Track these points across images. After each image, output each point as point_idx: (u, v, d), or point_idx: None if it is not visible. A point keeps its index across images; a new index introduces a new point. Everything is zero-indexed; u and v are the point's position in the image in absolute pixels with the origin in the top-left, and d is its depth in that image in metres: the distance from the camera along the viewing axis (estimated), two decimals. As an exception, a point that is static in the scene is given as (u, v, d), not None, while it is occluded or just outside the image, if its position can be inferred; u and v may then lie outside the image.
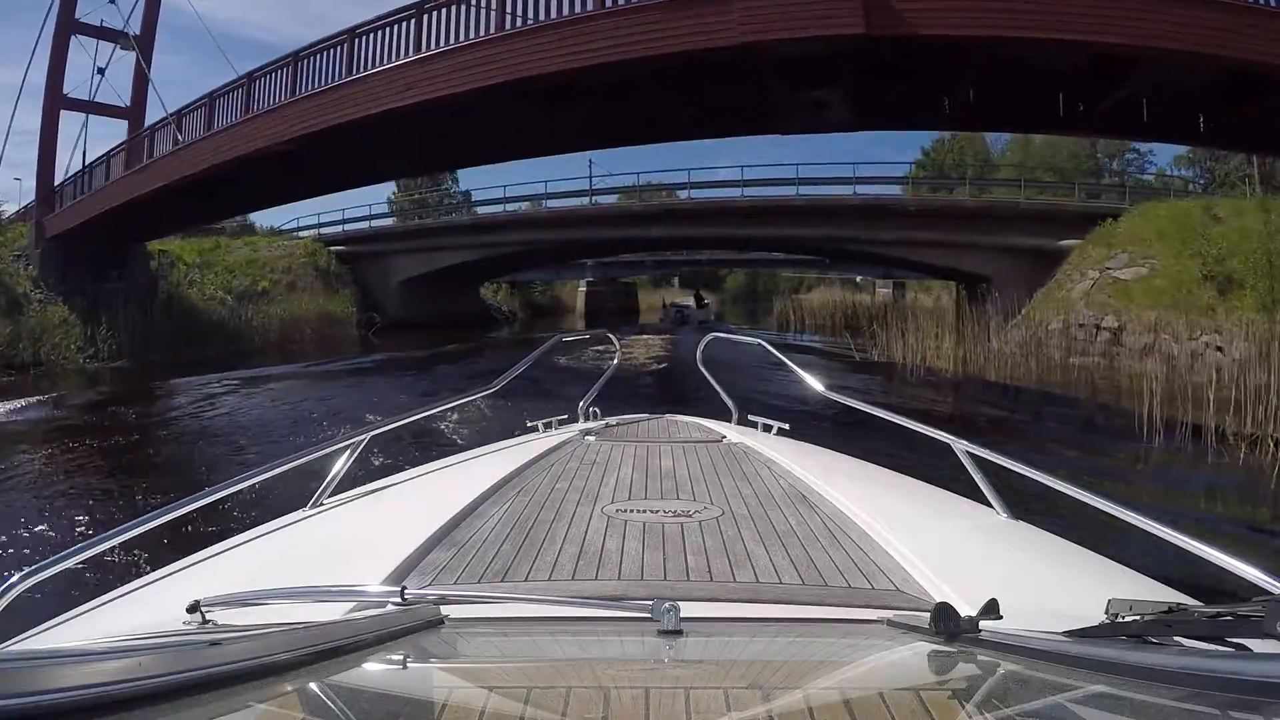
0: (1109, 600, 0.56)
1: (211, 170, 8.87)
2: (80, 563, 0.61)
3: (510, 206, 17.74)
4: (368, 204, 19.80)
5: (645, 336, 14.03)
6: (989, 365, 8.04)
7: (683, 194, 15.46)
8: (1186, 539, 0.65)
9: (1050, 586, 0.76)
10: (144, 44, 12.06)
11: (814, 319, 19.31)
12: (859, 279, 28.18)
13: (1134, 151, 14.75)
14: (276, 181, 9.84)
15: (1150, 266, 9.30)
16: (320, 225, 20.09)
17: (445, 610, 0.59)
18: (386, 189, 22.47)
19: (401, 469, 1.29)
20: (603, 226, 15.91)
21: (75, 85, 11.72)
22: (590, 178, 16.40)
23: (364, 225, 19.03)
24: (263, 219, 19.34)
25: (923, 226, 12.39)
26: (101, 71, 11.56)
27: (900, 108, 8.07)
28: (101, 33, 11.48)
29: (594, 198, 16.68)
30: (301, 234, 18.81)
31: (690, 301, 21.56)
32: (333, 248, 17.73)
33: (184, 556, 0.80)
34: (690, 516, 0.98)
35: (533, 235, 16.49)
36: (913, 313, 17.12)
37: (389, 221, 18.64)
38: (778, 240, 15.69)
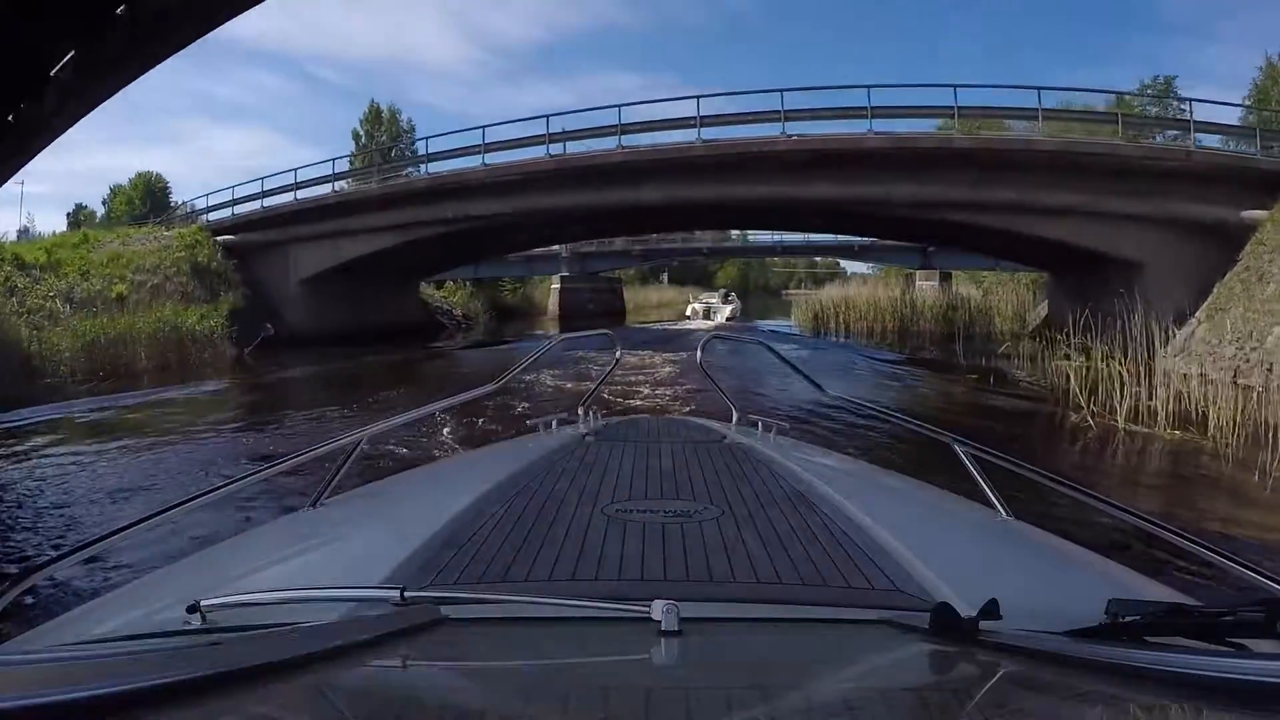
0: (1109, 600, 0.81)
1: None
2: (80, 563, 0.95)
3: (439, 168, 17.54)
4: (260, 179, 19.93)
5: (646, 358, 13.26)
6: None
7: (690, 136, 14.74)
8: (1187, 539, 0.97)
9: (1050, 586, 1.10)
10: None
11: (862, 321, 21.81)
12: (844, 271, 32.77)
13: (1175, 129, 15.71)
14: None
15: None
16: (209, 209, 20.70)
17: (445, 610, 0.87)
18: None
19: (401, 469, 1.73)
20: (568, 189, 15.65)
21: None
22: (549, 117, 15.96)
23: (256, 206, 19.46)
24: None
25: (1055, 185, 12.41)
26: None
27: None
28: None
29: (557, 145, 16.03)
30: (211, 219, 19.66)
31: (717, 300, 30.29)
32: (220, 238, 18.49)
33: (184, 556, 1.16)
34: (690, 516, 1.37)
35: (467, 208, 16.50)
36: (993, 314, 18.49)
37: (287, 199, 19.10)
38: (840, 205, 14.50)
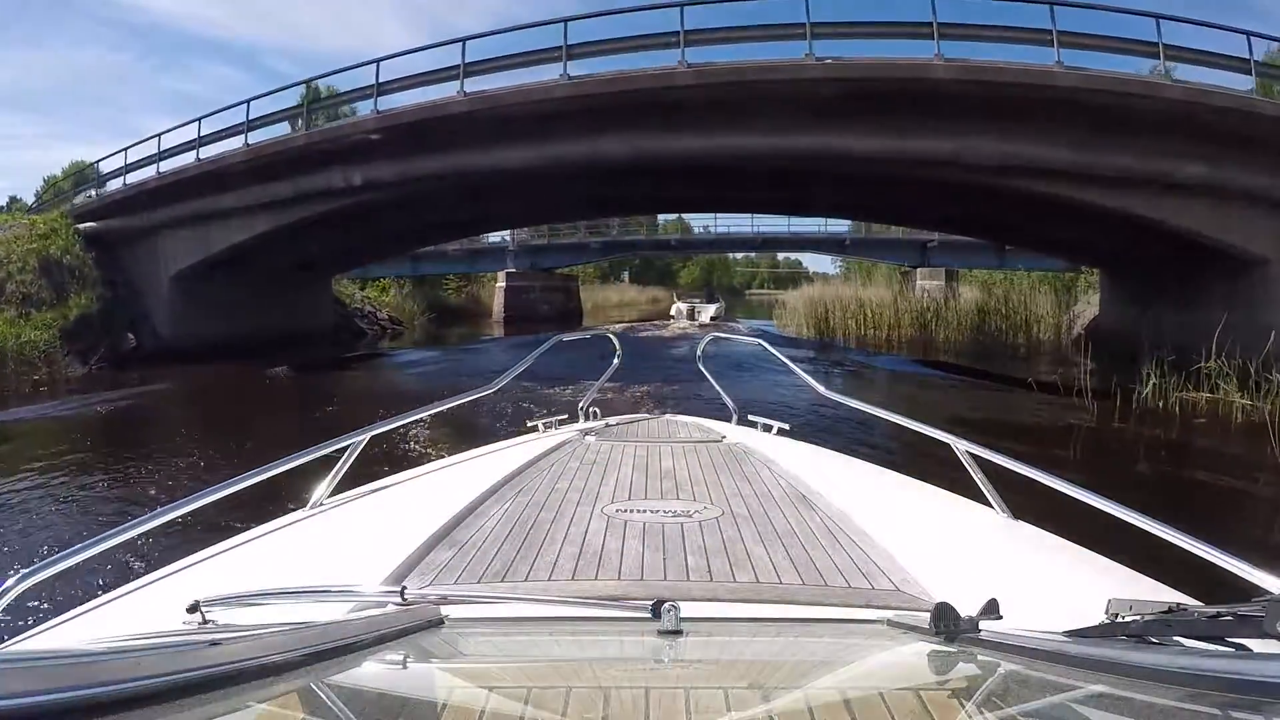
0: (1109, 600, 1.05)
1: None
2: (80, 563, 1.29)
3: (376, 103, 15.40)
4: (124, 149, 19.46)
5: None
6: None
7: (670, 59, 13.09)
8: (1186, 539, 1.27)
9: (1050, 586, 1.42)
10: None
11: (875, 326, 23.61)
12: (807, 270, 38.06)
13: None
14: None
15: None
16: (75, 188, 20.73)
17: (445, 610, 1.15)
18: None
19: (401, 469, 2.16)
20: (491, 142, 14.09)
21: None
22: (465, 40, 14.39)
23: (120, 184, 19.42)
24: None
25: (1176, 152, 11.85)
26: None
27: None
28: None
29: (483, 79, 14.45)
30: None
31: (700, 300, 37.95)
32: (83, 225, 18.83)
33: (184, 556, 1.48)
34: (690, 516, 1.75)
35: (358, 174, 15.40)
36: (1029, 321, 19.71)
37: (150, 173, 18.61)
38: (887, 164, 13.14)
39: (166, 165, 18.57)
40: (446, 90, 14.57)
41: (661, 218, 48.43)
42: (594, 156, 14.00)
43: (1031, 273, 25.12)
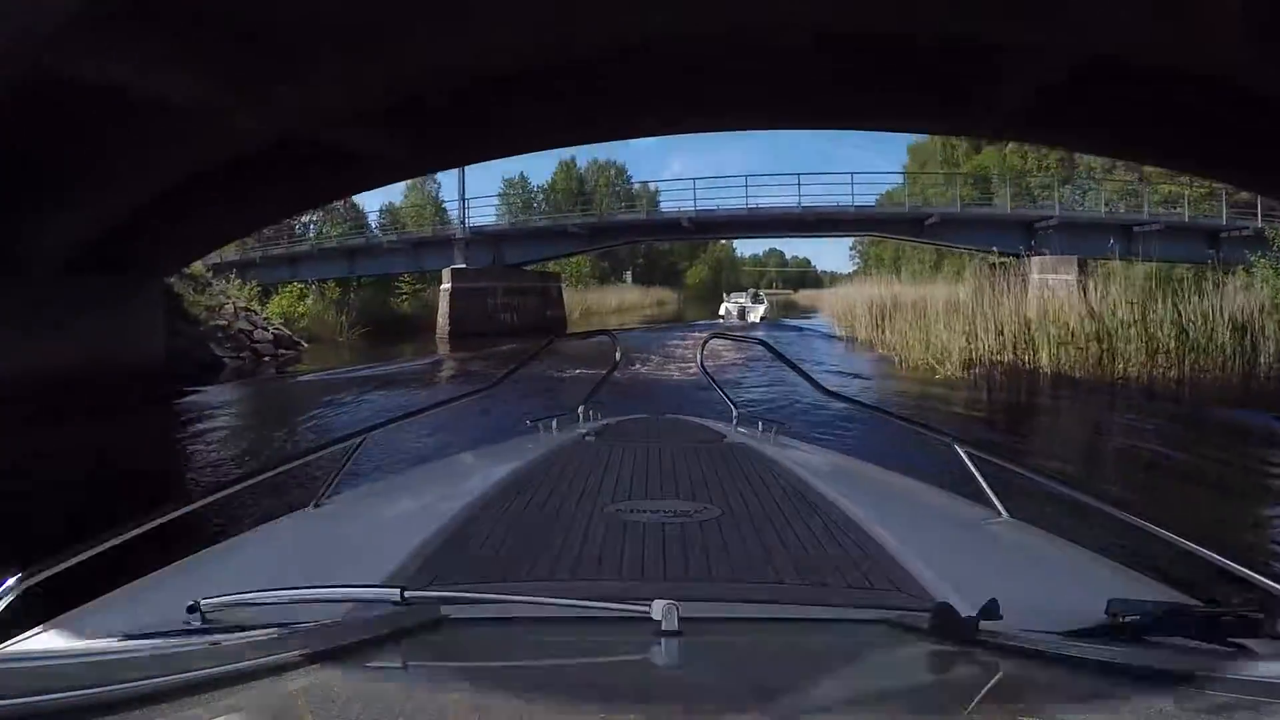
0: (1109, 600, 1.07)
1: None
2: (80, 563, 1.29)
3: None
4: None
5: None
6: None
7: None
8: (1186, 539, 1.27)
9: (1050, 586, 1.44)
10: None
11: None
12: (815, 270, 38.15)
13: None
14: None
15: None
16: None
17: (445, 610, 1.16)
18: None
19: (401, 469, 2.19)
20: None
21: None
22: None
23: None
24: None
25: None
26: None
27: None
28: None
29: None
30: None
31: (747, 300, 41.30)
32: None
33: (184, 556, 1.50)
34: (690, 516, 1.77)
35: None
36: None
37: None
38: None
39: None
40: None
41: (665, 203, 40.94)
42: None
43: (1149, 263, 19.18)
